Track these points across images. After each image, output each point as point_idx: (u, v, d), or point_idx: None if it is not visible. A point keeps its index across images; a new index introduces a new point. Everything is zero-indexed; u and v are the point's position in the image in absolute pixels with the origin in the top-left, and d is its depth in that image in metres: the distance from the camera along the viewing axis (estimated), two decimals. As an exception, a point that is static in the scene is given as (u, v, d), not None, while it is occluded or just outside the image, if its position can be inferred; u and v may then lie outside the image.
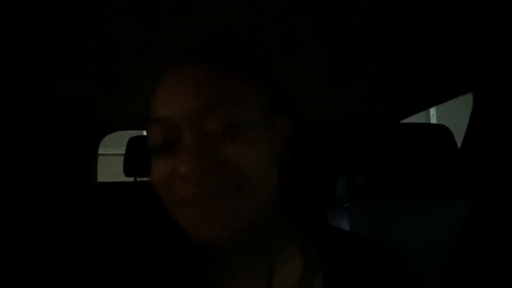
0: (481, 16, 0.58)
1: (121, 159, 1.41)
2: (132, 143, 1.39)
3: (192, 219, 0.40)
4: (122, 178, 1.44)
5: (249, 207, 0.41)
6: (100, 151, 1.59)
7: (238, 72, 0.44)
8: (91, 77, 0.82)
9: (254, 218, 0.42)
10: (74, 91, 0.92)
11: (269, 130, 0.44)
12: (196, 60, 0.44)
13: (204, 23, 0.55)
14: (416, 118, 1.32)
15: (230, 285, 0.47)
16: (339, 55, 0.71)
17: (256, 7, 0.51)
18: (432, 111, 3.28)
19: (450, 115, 2.27)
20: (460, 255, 0.85)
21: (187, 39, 0.60)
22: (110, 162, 2.24)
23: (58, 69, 0.76)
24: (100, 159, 1.60)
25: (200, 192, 0.39)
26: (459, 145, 1.05)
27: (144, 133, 2.36)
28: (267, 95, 0.45)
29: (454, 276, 0.84)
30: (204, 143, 0.39)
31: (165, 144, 0.41)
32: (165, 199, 0.43)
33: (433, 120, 3.28)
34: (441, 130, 1.00)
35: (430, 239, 0.87)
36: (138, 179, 1.46)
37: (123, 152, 1.40)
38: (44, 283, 0.75)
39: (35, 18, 0.53)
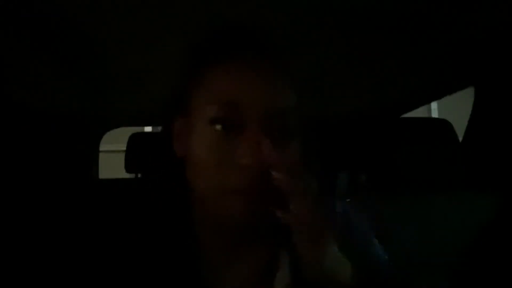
0: (483, 11, 0.57)
1: (122, 156, 1.41)
2: (134, 140, 1.39)
3: (236, 207, 0.42)
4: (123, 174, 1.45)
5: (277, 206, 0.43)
6: (102, 147, 1.59)
7: (291, 79, 0.47)
8: (92, 74, 0.82)
9: None
10: (75, 88, 0.92)
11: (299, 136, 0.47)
12: (259, 57, 0.46)
13: (204, 21, 0.55)
14: (417, 113, 1.32)
15: (222, 276, 0.48)
16: (340, 49, 0.71)
17: (257, 7, 0.50)
18: (434, 105, 3.27)
19: (452, 109, 2.27)
20: (463, 250, 0.85)
21: (187, 38, 0.60)
22: (112, 159, 2.25)
23: (59, 67, 0.76)
24: (101, 155, 1.61)
25: (254, 185, 0.41)
26: (460, 139, 1.05)
27: (145, 129, 2.36)
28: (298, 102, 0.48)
29: (456, 272, 0.84)
30: (268, 140, 0.41)
31: (230, 124, 0.42)
32: (209, 180, 0.43)
33: (435, 115, 3.28)
34: (443, 124, 0.99)
35: (431, 233, 0.87)
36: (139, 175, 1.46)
37: (124, 148, 1.40)
38: (44, 278, 0.75)
39: (35, 17, 0.53)
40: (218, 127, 0.42)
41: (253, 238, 0.49)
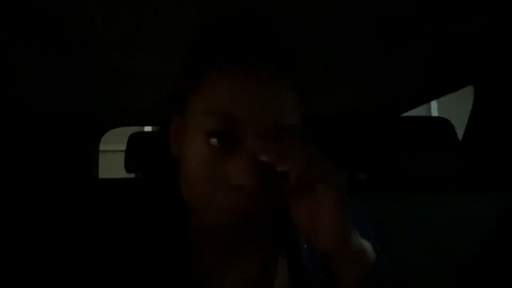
0: (482, 10, 0.57)
1: (122, 156, 1.41)
2: (133, 140, 1.39)
3: (224, 223, 0.40)
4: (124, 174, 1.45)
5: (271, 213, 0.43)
6: (101, 147, 1.59)
7: (297, 94, 0.44)
8: (91, 74, 0.81)
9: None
10: (75, 88, 0.92)
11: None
12: (263, 67, 0.42)
13: (206, 21, 0.54)
14: (417, 111, 1.32)
15: (219, 282, 0.48)
16: (339, 49, 0.71)
17: (260, 7, 0.50)
18: (433, 104, 3.27)
19: (451, 108, 2.26)
20: (464, 250, 0.85)
21: (188, 37, 0.60)
22: (111, 158, 2.25)
23: (59, 66, 0.75)
24: (101, 155, 1.61)
25: (245, 206, 0.39)
26: (460, 138, 1.05)
27: (145, 129, 2.35)
28: (302, 114, 0.46)
29: (459, 273, 0.84)
30: (263, 160, 0.38)
31: (226, 138, 0.40)
32: (198, 193, 0.42)
33: (434, 113, 3.27)
34: (442, 123, 0.99)
35: (430, 233, 0.87)
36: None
37: (124, 148, 1.40)
38: (42, 278, 0.75)
39: (35, 17, 0.53)
40: (214, 140, 0.39)
41: (249, 243, 0.48)
